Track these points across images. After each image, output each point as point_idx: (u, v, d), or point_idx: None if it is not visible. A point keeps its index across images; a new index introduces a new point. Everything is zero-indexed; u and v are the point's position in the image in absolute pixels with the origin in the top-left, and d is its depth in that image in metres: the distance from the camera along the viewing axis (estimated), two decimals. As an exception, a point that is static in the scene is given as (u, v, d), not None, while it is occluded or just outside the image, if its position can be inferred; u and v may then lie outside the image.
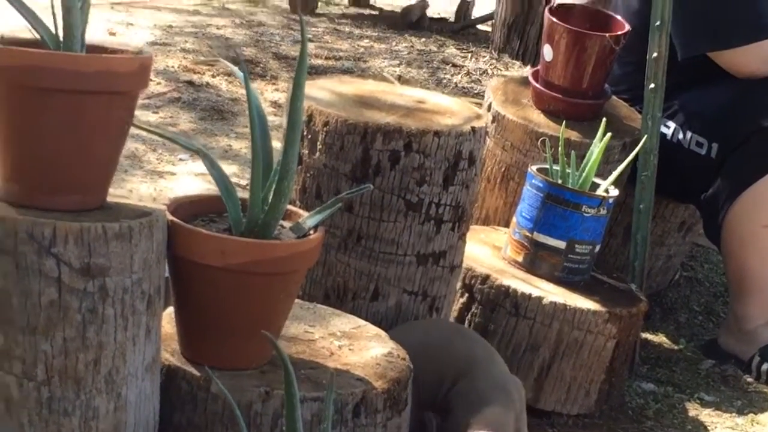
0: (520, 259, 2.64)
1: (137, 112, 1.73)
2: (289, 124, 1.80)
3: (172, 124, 3.63)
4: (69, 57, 1.62)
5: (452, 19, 5.58)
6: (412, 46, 4.92)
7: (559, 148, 2.61)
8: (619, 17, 2.92)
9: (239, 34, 4.76)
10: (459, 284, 2.51)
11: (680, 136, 2.94)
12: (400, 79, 4.28)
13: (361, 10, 5.64)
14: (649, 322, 3.07)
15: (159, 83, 3.93)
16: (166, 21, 4.79)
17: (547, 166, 2.62)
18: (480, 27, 5.50)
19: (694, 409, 2.72)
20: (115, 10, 4.83)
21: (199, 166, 3.18)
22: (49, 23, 1.66)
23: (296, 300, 1.97)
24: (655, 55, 2.81)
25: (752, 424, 2.68)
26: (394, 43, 4.93)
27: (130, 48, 1.74)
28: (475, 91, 4.34)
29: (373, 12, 5.62)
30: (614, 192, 2.63)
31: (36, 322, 1.60)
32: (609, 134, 2.61)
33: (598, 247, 2.65)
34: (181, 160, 3.34)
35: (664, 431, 2.61)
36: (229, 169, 3.27)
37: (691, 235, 3.25)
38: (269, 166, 1.83)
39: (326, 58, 4.53)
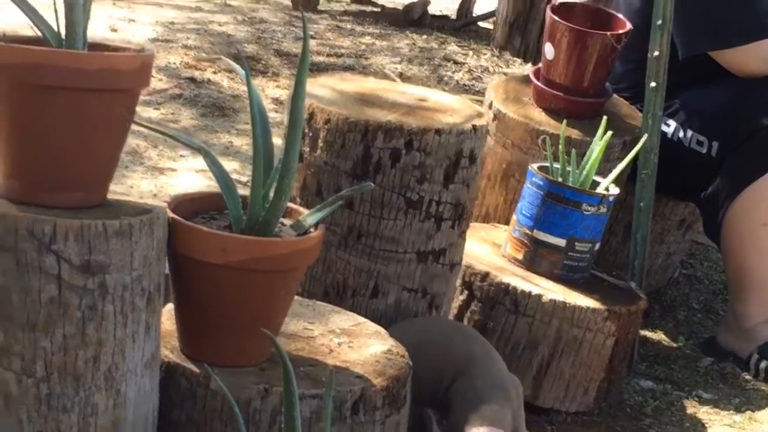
0: (519, 256, 2.64)
1: (138, 109, 1.73)
2: (290, 122, 1.80)
3: (173, 120, 3.63)
4: (71, 55, 1.63)
5: (454, 17, 5.58)
6: (413, 44, 4.92)
7: (560, 146, 2.62)
8: (620, 16, 2.93)
9: (241, 30, 4.76)
10: (459, 282, 2.51)
11: (681, 134, 2.95)
12: (402, 77, 4.29)
13: (362, 7, 5.64)
14: (648, 319, 3.08)
15: (160, 80, 3.93)
16: (167, 17, 4.79)
17: (548, 164, 2.62)
18: (481, 24, 5.50)
19: (692, 407, 2.73)
20: (116, 6, 4.83)
21: (200, 162, 3.19)
22: (51, 20, 1.66)
23: (296, 297, 1.97)
24: (656, 53, 2.82)
25: (750, 422, 2.68)
26: (395, 41, 4.93)
27: (132, 45, 1.75)
28: (477, 89, 4.34)
29: (375, 9, 5.62)
30: (614, 190, 2.64)
31: (36, 318, 1.60)
32: (609, 132, 2.62)
33: (598, 245, 2.65)
34: (181, 156, 3.35)
35: (662, 429, 2.62)
36: (230, 165, 3.27)
37: (691, 233, 3.25)
38: (270, 164, 1.83)
39: (328, 55, 4.54)
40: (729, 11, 2.87)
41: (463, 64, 4.69)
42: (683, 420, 2.66)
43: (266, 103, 3.69)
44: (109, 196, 1.73)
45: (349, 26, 5.12)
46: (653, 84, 2.83)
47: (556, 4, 2.92)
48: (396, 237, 2.25)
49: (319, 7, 5.44)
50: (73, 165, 1.65)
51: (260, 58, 4.37)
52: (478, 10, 5.59)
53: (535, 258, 2.62)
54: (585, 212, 2.58)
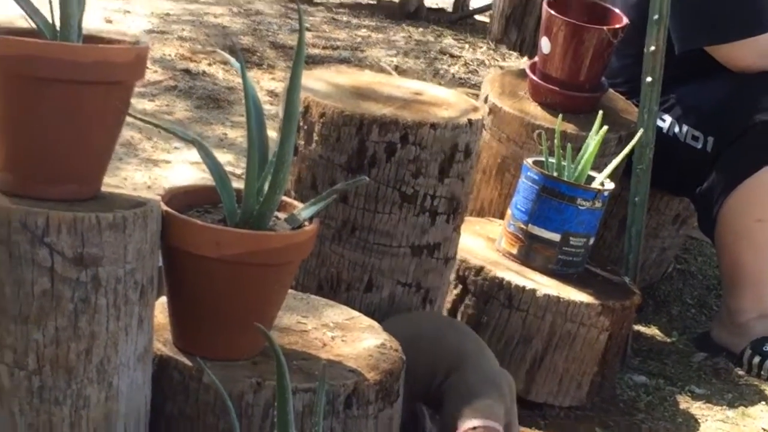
0: (514, 251, 2.64)
1: (133, 101, 1.73)
2: (285, 115, 1.80)
3: (168, 112, 3.62)
4: (66, 47, 1.62)
5: (450, 10, 5.57)
6: (409, 36, 4.91)
7: (555, 141, 2.62)
8: (617, 10, 2.92)
9: (236, 22, 4.75)
10: (453, 276, 2.51)
11: (676, 129, 2.95)
12: (397, 70, 4.28)
13: (358, 0, 5.64)
14: (642, 314, 3.08)
15: (155, 71, 3.93)
16: (163, 9, 4.79)
17: (543, 159, 2.62)
18: (478, 18, 5.50)
19: (685, 402, 2.73)
20: (112, -3, 4.83)
21: (194, 154, 3.18)
22: (45, 12, 1.66)
23: (290, 290, 1.97)
24: (652, 48, 2.82)
25: (743, 417, 2.69)
26: (391, 33, 4.93)
27: (127, 38, 1.74)
28: (472, 82, 4.34)
29: (371, 2, 5.62)
30: (609, 185, 2.64)
31: (28, 311, 1.60)
32: (605, 127, 2.62)
33: (592, 240, 2.65)
34: (176, 148, 3.34)
35: (654, 424, 2.62)
36: (224, 158, 3.27)
37: (686, 228, 3.25)
38: (265, 157, 1.83)
39: (323, 48, 4.53)
40: (725, 6, 2.87)
41: (459, 57, 4.69)
42: (676, 415, 2.67)
43: (261, 96, 3.69)
44: (103, 188, 1.72)
45: (345, 18, 5.12)
46: (649, 79, 2.83)
47: (553, -3, 2.91)
48: (390, 231, 2.24)
49: (315, 0, 5.44)
50: (68, 157, 1.65)
51: (255, 50, 4.37)
52: (474, 3, 5.59)
53: (529, 253, 2.62)
54: (580, 207, 2.58)
